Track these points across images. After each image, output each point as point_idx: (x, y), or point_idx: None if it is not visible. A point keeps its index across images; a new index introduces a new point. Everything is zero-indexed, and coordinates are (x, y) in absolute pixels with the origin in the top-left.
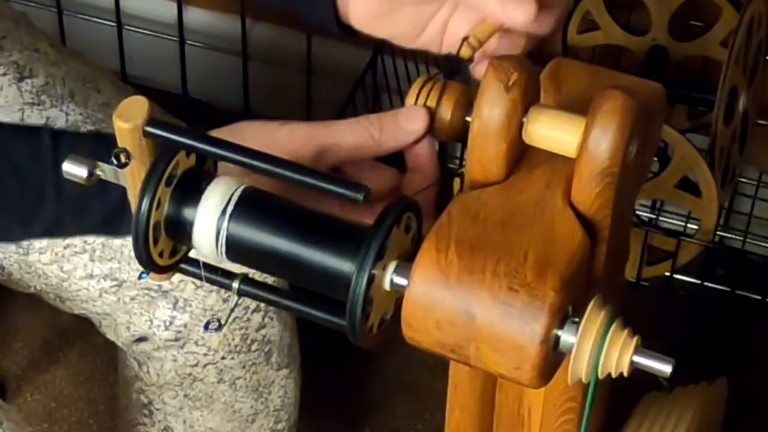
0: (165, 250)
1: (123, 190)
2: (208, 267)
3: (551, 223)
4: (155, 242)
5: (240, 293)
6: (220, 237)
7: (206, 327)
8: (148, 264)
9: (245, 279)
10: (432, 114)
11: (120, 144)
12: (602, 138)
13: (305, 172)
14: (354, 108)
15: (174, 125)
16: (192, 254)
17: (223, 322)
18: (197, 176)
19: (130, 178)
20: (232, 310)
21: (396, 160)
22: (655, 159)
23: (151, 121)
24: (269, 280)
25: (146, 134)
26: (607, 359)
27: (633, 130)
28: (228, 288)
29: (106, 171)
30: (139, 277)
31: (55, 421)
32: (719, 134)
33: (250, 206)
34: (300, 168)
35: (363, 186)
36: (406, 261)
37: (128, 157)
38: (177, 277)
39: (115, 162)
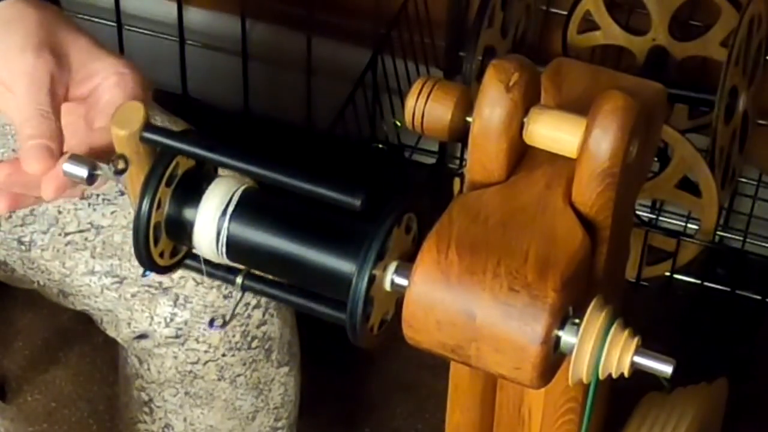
0: (165, 250)
1: None
2: (212, 262)
3: (552, 223)
4: (156, 243)
5: (244, 288)
6: (221, 237)
7: (211, 324)
8: (149, 264)
9: (248, 274)
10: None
11: (117, 150)
12: (603, 138)
13: (302, 177)
14: (354, 108)
15: (170, 131)
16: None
17: (227, 318)
18: (198, 176)
19: (130, 182)
20: (236, 305)
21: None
22: (655, 159)
23: (147, 127)
24: None
25: (143, 140)
26: (607, 360)
27: (634, 131)
28: (231, 283)
29: (106, 171)
30: (143, 275)
31: (55, 421)
32: (719, 134)
33: (250, 206)
34: (297, 172)
35: (360, 191)
36: (407, 261)
37: (126, 163)
38: (178, 273)
39: (112, 168)
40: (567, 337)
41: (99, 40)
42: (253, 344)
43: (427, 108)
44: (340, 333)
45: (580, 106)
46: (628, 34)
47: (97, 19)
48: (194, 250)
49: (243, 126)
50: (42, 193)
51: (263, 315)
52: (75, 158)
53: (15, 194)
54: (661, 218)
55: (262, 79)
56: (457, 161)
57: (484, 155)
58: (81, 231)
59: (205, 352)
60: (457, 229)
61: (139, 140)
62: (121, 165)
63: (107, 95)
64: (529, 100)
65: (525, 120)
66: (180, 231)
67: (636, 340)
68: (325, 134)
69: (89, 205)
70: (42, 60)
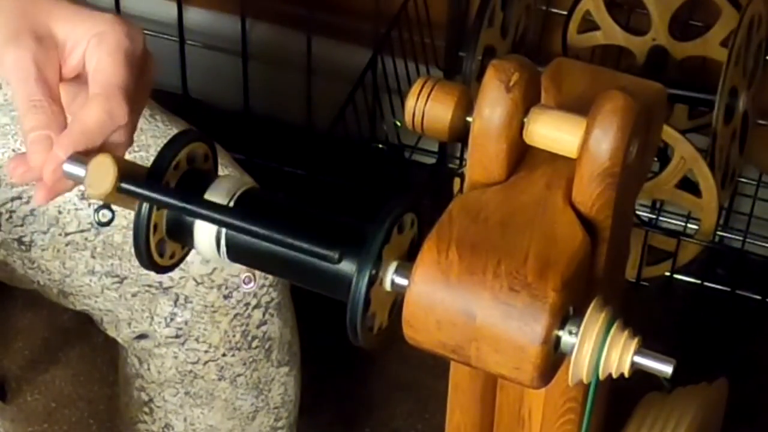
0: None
1: None
2: None
3: (552, 223)
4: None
5: None
6: (221, 237)
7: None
8: (149, 264)
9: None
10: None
11: (102, 201)
12: (603, 138)
13: (283, 231)
14: (354, 108)
15: (144, 182)
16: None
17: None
18: (198, 177)
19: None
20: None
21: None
22: (655, 159)
23: (122, 180)
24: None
25: (121, 191)
26: (607, 360)
27: (634, 131)
28: None
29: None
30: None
31: (55, 421)
32: (719, 134)
33: (250, 207)
34: (279, 227)
35: (338, 246)
36: (407, 261)
37: (111, 212)
38: (178, 273)
39: (97, 220)
40: (567, 337)
41: None
42: (254, 344)
43: (427, 108)
44: (340, 333)
45: (580, 106)
46: (628, 34)
47: None
48: (194, 251)
49: (243, 126)
50: (43, 176)
51: (263, 315)
52: (74, 158)
53: (50, 184)
54: (661, 218)
55: (262, 79)
56: (457, 161)
57: (484, 155)
58: (81, 231)
59: (206, 352)
60: (457, 228)
61: (116, 193)
62: (105, 217)
63: (93, 59)
64: (529, 100)
65: (525, 120)
66: (180, 231)
67: (636, 340)
68: (325, 134)
69: (89, 205)
70: (22, 49)
